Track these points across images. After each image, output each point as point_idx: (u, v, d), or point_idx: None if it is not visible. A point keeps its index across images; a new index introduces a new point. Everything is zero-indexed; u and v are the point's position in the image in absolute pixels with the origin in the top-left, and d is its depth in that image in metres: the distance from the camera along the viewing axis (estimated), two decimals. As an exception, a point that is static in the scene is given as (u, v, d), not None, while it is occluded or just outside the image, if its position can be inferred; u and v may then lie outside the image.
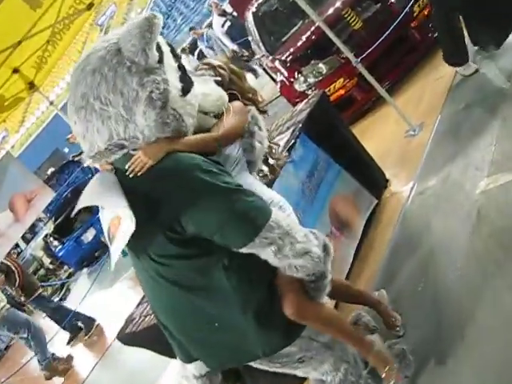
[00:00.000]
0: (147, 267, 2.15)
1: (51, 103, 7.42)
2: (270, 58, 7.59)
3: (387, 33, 5.40)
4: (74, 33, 6.22)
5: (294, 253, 2.00)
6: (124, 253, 8.69)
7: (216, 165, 2.08)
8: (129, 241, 2.05)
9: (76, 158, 17.11)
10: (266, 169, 2.87)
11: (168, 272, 2.08)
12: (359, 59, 5.07)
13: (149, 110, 2.00)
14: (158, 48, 2.06)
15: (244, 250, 1.99)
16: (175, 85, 2.08)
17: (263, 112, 2.72)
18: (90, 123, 2.02)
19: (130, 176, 2.01)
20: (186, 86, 2.14)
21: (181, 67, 2.16)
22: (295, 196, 3.47)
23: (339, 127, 4.45)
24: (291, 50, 7.00)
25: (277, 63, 7.25)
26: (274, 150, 2.88)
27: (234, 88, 2.64)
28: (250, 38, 9.51)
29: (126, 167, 2.02)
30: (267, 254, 2.00)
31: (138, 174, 2.00)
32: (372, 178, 4.49)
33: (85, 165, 13.96)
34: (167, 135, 2.07)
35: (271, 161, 2.87)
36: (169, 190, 1.97)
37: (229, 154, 2.47)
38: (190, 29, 15.57)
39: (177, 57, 2.18)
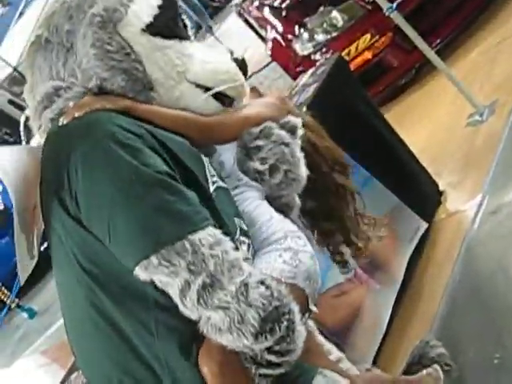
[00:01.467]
0: (68, 283, 2.26)
1: None
2: (256, 2, 7.68)
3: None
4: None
5: (205, 300, 2.01)
6: (31, 313, 8.68)
7: (152, 137, 2.15)
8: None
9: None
10: (346, 251, 2.98)
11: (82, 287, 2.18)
12: (395, 4, 5.12)
13: (87, 30, 2.25)
14: None
15: (141, 274, 2.03)
16: (139, 15, 2.31)
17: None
18: (36, 63, 2.34)
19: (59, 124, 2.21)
20: (161, 27, 2.35)
21: (166, 9, 2.37)
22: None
23: (365, 111, 4.49)
24: (289, -11, 7.08)
25: (266, 11, 7.35)
26: (364, 220, 2.98)
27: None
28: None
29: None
30: (173, 292, 2.03)
31: (64, 121, 2.20)
32: (418, 191, 4.53)
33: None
34: (113, 79, 2.26)
35: (355, 239, 2.94)
36: (69, 160, 2.09)
37: (223, 161, 2.55)
38: None
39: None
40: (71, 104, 2.24)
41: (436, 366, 3.08)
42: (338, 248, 3.01)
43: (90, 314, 2.18)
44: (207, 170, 2.29)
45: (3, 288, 10.63)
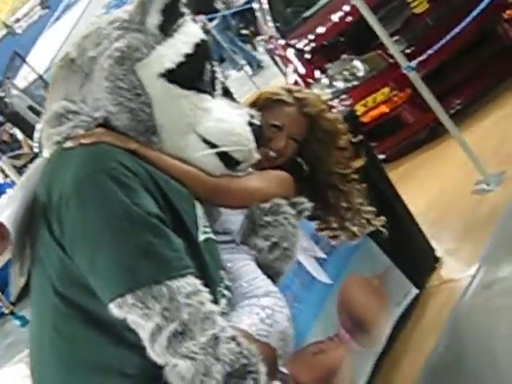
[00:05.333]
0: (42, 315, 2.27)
1: None
2: (282, 42, 7.71)
3: (464, 24, 5.42)
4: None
5: (174, 347, 2.03)
6: (23, 321, 8.48)
7: (150, 178, 2.19)
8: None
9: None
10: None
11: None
12: (413, 63, 5.11)
13: (106, 61, 2.29)
14: (172, 19, 2.36)
15: (115, 311, 2.05)
16: (162, 60, 2.33)
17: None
18: (57, 79, 2.40)
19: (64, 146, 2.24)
20: (182, 76, 2.36)
21: (194, 60, 2.38)
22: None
23: (368, 167, 4.46)
24: (315, 33, 7.13)
25: (290, 52, 7.38)
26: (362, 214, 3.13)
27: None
28: (255, 6, 9.65)
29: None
30: (143, 334, 2.05)
31: (69, 145, 2.23)
32: (413, 255, 4.50)
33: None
34: (119, 115, 2.28)
35: (349, 225, 3.11)
36: (64, 184, 2.14)
37: (226, 221, 2.59)
38: None
39: (206, 55, 2.46)
40: (80, 131, 2.27)
41: None
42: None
43: (52, 339, 2.19)
44: (199, 219, 2.31)
45: (-1, 293, 10.60)
